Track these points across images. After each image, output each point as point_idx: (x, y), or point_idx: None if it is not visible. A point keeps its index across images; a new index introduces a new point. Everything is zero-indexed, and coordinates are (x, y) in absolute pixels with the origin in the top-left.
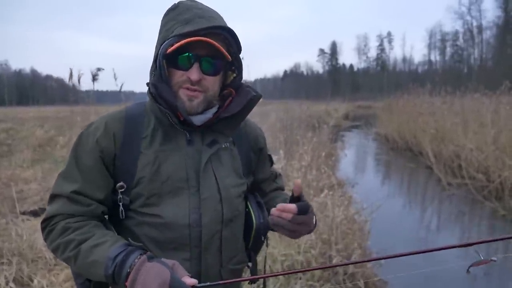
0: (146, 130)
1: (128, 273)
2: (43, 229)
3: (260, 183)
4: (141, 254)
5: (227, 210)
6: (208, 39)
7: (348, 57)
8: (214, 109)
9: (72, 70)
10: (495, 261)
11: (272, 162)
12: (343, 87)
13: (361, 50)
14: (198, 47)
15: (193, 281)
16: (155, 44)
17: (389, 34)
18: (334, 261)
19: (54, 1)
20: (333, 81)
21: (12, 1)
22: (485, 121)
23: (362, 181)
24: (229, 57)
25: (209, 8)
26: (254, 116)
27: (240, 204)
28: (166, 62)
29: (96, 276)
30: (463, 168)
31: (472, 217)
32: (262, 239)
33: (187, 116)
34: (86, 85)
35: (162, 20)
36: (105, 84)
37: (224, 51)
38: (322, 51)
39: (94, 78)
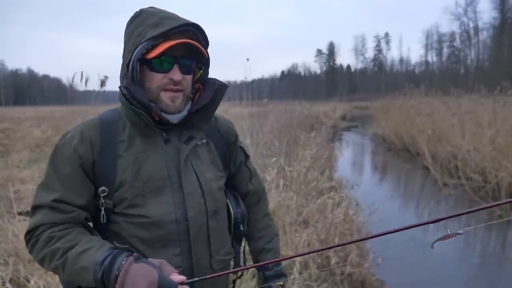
0: (123, 134)
1: (117, 276)
2: (27, 241)
3: (233, 177)
4: (127, 256)
5: (210, 203)
6: (192, 42)
7: (345, 58)
8: (188, 106)
9: (82, 72)
10: (461, 234)
11: (247, 156)
12: (340, 87)
13: (359, 51)
14: (174, 49)
15: (182, 277)
16: (123, 50)
17: (386, 35)
18: (333, 262)
19: (53, 4)
20: (331, 82)
21: (12, 4)
22: (482, 121)
23: (360, 182)
24: (206, 54)
25: (170, 12)
26: (254, 116)
27: (222, 197)
28: (140, 66)
29: (86, 282)
30: (460, 169)
31: (468, 217)
32: (241, 228)
33: (162, 115)
34: (87, 87)
35: (127, 28)
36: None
37: (203, 49)
38: (319, 51)
39: (102, 83)
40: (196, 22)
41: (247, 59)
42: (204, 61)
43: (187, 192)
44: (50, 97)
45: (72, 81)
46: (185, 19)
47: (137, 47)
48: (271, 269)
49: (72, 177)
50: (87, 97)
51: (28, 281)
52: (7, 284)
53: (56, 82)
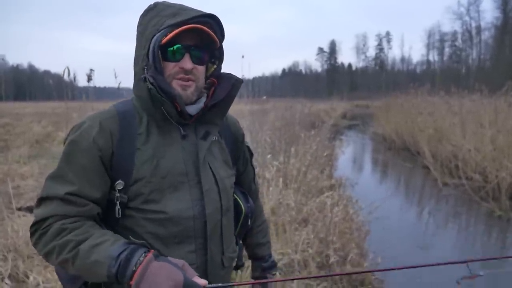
0: (140, 127)
1: (134, 272)
2: (32, 233)
3: (239, 175)
4: (146, 252)
5: (224, 201)
6: (202, 27)
7: (347, 56)
8: (204, 99)
9: (68, 67)
10: (482, 275)
11: (251, 155)
12: (341, 86)
13: (360, 49)
14: (186, 38)
15: (204, 281)
16: (137, 43)
17: (388, 33)
18: (331, 261)
19: (56, 3)
20: (332, 80)
21: (15, 4)
22: (483, 121)
23: (360, 181)
24: (218, 43)
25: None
26: (254, 114)
27: (232, 194)
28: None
29: (97, 277)
30: (460, 168)
31: (468, 217)
32: (249, 223)
33: (184, 107)
34: (83, 82)
35: (142, 20)
36: (105, 81)
37: (215, 37)
38: (321, 49)
39: (89, 78)
40: (214, 14)
41: (242, 56)
42: (218, 56)
43: (205, 188)
44: (51, 93)
45: (68, 76)
46: (202, 10)
47: (155, 35)
48: (267, 260)
49: (88, 169)
50: (87, 93)
51: (27, 277)
52: (6, 280)
53: (57, 78)
